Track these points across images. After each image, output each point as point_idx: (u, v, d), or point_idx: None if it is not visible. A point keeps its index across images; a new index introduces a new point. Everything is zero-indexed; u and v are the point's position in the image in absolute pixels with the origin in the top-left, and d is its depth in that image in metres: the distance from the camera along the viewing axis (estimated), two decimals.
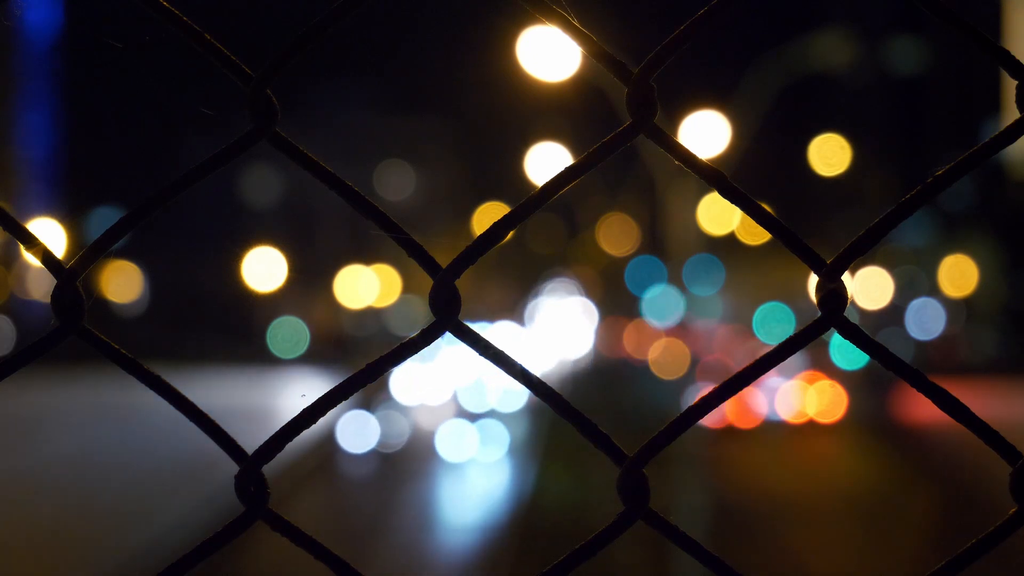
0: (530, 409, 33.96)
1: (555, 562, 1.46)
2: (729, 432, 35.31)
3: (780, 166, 53.93)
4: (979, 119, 55.50)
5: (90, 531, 22.62)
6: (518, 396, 34.81)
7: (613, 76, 1.45)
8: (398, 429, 29.44)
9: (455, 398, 35.29)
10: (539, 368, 44.39)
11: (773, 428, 38.92)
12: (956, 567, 1.46)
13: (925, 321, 57.25)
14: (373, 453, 28.03)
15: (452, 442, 27.52)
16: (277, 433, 1.49)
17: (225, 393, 35.43)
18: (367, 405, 29.36)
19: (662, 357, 43.10)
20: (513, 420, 32.75)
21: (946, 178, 1.45)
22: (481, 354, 1.46)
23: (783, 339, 1.45)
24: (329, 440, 27.53)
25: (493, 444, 27.49)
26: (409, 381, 35.26)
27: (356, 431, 28.06)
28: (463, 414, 33.36)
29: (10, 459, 29.02)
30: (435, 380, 36.09)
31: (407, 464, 26.50)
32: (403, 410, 31.34)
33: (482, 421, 28.77)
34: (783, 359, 1.45)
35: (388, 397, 32.02)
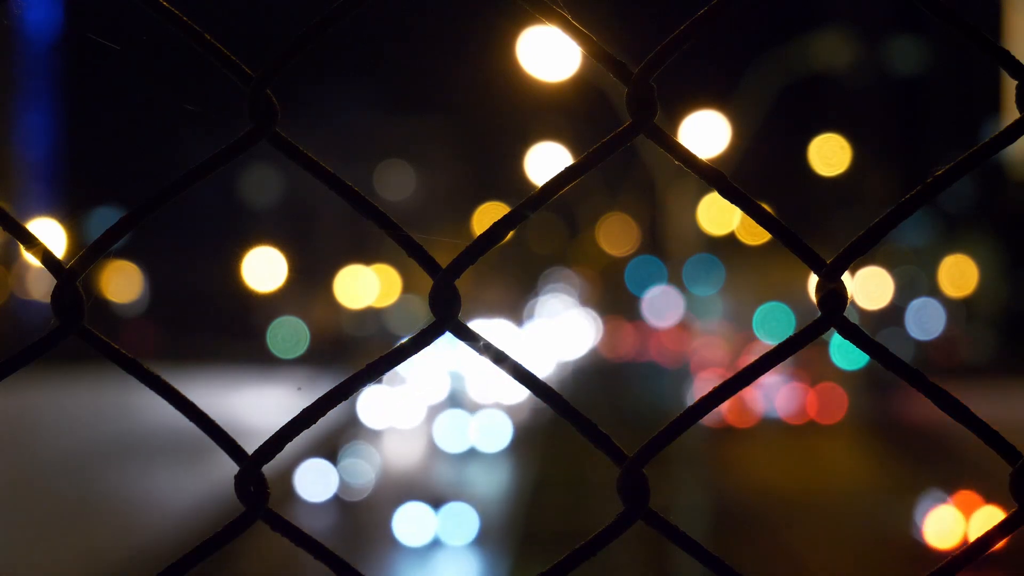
0: (513, 451, 31.09)
1: (555, 562, 1.46)
2: (727, 431, 35.36)
3: (780, 166, 53.91)
4: (979, 119, 55.49)
5: (90, 531, 22.60)
6: (501, 433, 31.54)
7: (613, 76, 1.45)
8: (362, 477, 26.17)
9: (429, 429, 32.52)
10: (539, 368, 44.11)
11: (771, 426, 39.00)
12: (956, 567, 1.46)
13: (925, 321, 57.23)
14: (334, 500, 24.92)
15: (412, 525, 22.43)
16: (277, 433, 1.48)
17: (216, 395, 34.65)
18: (331, 452, 26.20)
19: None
20: (493, 464, 29.92)
21: (946, 178, 1.45)
22: (481, 354, 1.46)
23: (783, 339, 1.45)
24: (285, 486, 24.73)
25: (461, 526, 22.55)
26: (379, 404, 32.97)
27: (316, 480, 24.96)
28: (437, 452, 30.53)
29: (10, 459, 29.00)
30: (406, 402, 34.11)
31: (361, 543, 22.70)
32: (367, 455, 27.52)
33: (447, 506, 22.74)
34: (783, 359, 1.46)
35: (352, 440, 28.47)
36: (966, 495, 23.80)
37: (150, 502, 24.14)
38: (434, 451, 31.15)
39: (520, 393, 39.34)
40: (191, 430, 1.50)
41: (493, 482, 28.05)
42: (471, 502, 23.47)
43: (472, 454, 30.69)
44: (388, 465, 28.72)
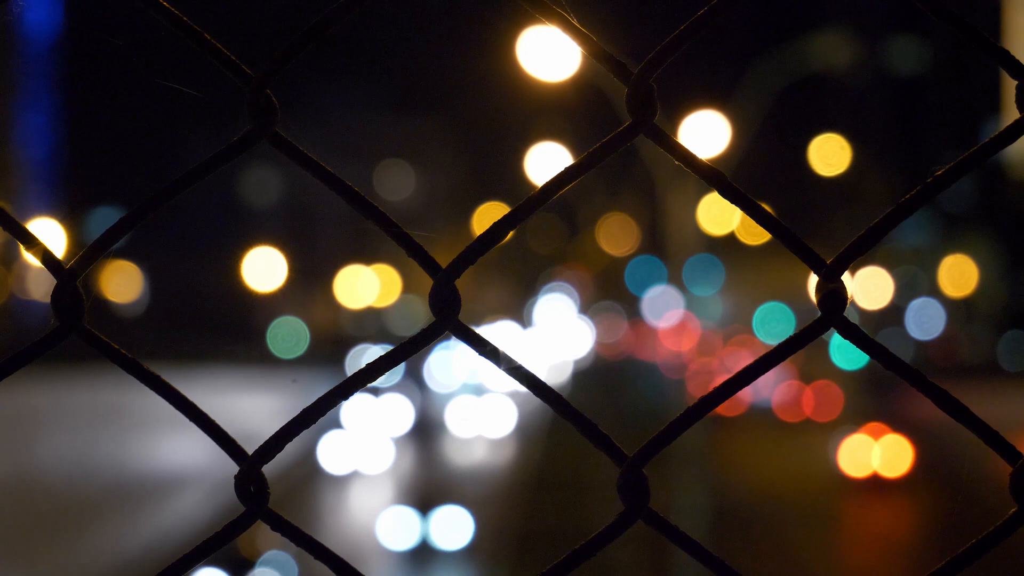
0: (477, 549, 23.45)
1: (555, 561, 1.46)
2: (715, 420, 35.58)
3: (780, 166, 53.93)
4: (979, 119, 55.49)
5: (90, 531, 22.59)
6: (463, 527, 23.36)
7: (613, 76, 1.45)
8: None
9: (396, 474, 29.96)
10: (539, 368, 43.97)
11: (764, 421, 39.20)
12: (956, 567, 1.46)
13: (925, 321, 57.24)
14: None
15: None
16: (277, 433, 1.48)
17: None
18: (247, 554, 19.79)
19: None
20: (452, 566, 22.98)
21: (946, 178, 1.45)
22: (481, 354, 1.46)
23: (783, 339, 1.45)
24: None
25: None
26: (343, 447, 31.46)
27: None
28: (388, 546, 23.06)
29: (9, 459, 28.97)
30: (374, 446, 32.32)
31: None
32: (285, 566, 19.79)
33: None
34: (783, 359, 1.45)
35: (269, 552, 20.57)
36: (875, 425, 26.76)
37: None
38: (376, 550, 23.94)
39: (505, 424, 37.91)
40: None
41: None
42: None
43: (425, 552, 23.39)
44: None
